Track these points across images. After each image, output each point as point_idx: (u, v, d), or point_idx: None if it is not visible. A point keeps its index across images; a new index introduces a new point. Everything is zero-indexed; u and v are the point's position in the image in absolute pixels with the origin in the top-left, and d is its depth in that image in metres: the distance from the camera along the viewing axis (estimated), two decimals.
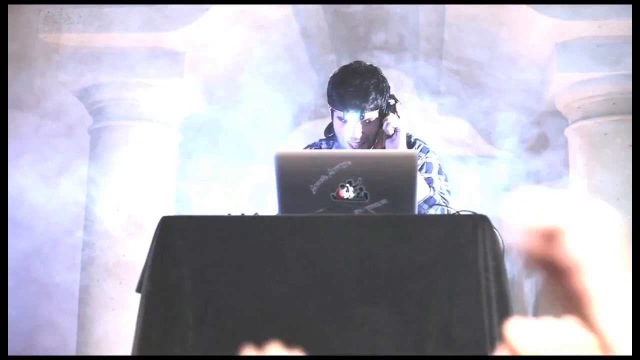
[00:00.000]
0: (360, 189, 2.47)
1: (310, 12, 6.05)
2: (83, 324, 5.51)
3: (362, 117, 3.07)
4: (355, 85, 3.06)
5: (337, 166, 2.45)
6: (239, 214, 2.60)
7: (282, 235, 2.41)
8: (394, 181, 2.47)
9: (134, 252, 5.43)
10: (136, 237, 5.44)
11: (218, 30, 5.55)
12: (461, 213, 2.56)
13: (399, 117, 3.14)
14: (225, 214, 2.61)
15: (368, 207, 2.48)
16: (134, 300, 5.12)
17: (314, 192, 2.48)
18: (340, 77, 3.13)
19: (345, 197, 2.47)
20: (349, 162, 2.45)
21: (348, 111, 3.06)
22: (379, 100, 3.09)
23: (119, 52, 5.49)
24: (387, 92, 3.14)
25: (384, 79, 3.15)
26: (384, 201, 2.48)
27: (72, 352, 5.62)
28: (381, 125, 3.14)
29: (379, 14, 6.23)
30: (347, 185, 2.47)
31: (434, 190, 3.07)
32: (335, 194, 2.47)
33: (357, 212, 2.48)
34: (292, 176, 2.49)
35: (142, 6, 5.33)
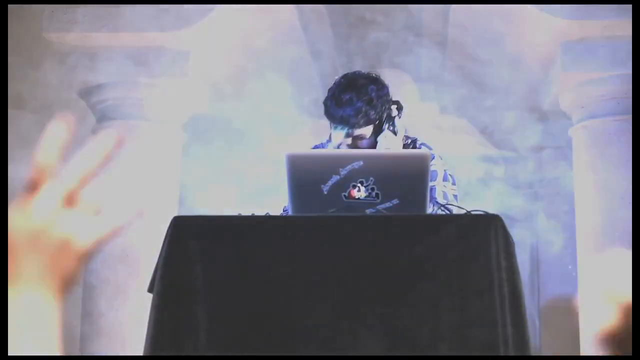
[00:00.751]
0: (372, 189, 2.47)
1: (313, 10, 6.05)
2: (86, 318, 5.53)
3: (349, 133, 3.02)
4: (346, 101, 3.01)
5: (349, 166, 2.45)
6: (249, 213, 2.60)
7: (294, 236, 2.41)
8: (405, 181, 2.47)
9: (137, 250, 5.44)
10: (140, 235, 5.45)
11: (223, 29, 5.55)
12: (473, 213, 2.56)
13: (396, 131, 3.09)
14: (235, 213, 2.61)
15: (379, 207, 2.48)
16: (137, 295, 5.14)
17: (325, 192, 2.48)
18: (334, 90, 3.07)
19: (357, 197, 2.47)
20: (361, 162, 2.45)
21: (336, 127, 3.04)
22: (371, 115, 3.03)
23: (123, 51, 5.49)
24: (384, 105, 3.07)
25: (381, 92, 3.08)
26: (395, 201, 2.48)
27: (75, 346, 5.63)
28: (377, 138, 3.10)
29: (381, 10, 6.22)
30: (359, 185, 2.47)
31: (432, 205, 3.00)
32: (346, 194, 2.47)
33: (368, 212, 2.48)
34: (304, 176, 2.48)
35: (146, 5, 5.33)
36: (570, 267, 6.16)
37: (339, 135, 3.03)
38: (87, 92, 5.76)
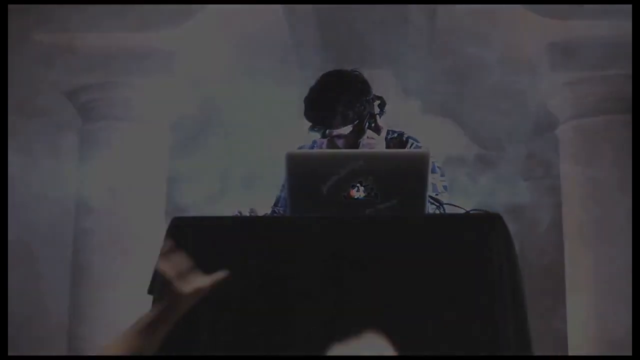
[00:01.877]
0: (371, 189, 2.46)
1: (300, 9, 6.05)
2: (75, 316, 5.52)
3: (326, 134, 3.02)
4: (323, 102, 3.01)
5: (349, 166, 2.44)
6: (246, 213, 2.59)
7: (294, 236, 2.40)
8: (405, 181, 2.47)
9: (124, 251, 5.45)
10: (127, 236, 5.46)
11: (209, 29, 5.55)
12: (473, 212, 2.56)
13: (379, 129, 3.09)
14: (234, 213, 2.60)
15: (379, 207, 2.47)
16: (125, 297, 5.12)
17: (324, 192, 2.46)
18: (313, 90, 3.07)
19: (356, 197, 2.46)
20: (361, 162, 2.45)
21: (313, 129, 3.03)
22: (349, 116, 3.01)
23: (110, 51, 5.48)
24: (363, 104, 3.05)
25: (360, 91, 3.06)
26: (394, 201, 2.47)
27: (63, 344, 5.61)
28: (359, 136, 3.09)
29: (367, 8, 6.21)
30: (358, 185, 2.46)
31: None
32: (346, 194, 2.46)
33: (367, 212, 2.48)
34: (303, 176, 2.47)
35: (133, 6, 5.31)
36: (557, 262, 6.18)
37: (316, 135, 3.03)
38: (73, 93, 5.74)
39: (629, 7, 4.46)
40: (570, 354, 5.64)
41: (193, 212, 5.30)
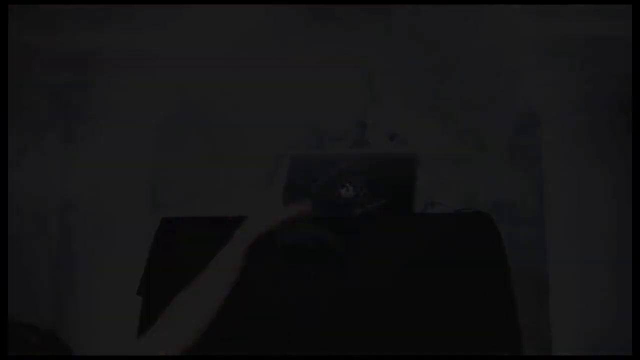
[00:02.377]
0: (361, 189, 2.45)
1: (283, 7, 6.06)
2: (59, 313, 5.52)
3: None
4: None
5: (338, 166, 2.44)
6: (235, 215, 2.59)
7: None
8: (394, 181, 2.47)
9: (109, 249, 5.45)
10: (112, 234, 5.46)
11: (194, 29, 5.55)
12: (463, 211, 2.57)
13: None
14: (221, 214, 2.59)
15: (368, 207, 2.47)
16: (110, 295, 5.11)
17: (314, 192, 2.46)
18: None
19: (346, 197, 2.46)
20: (350, 162, 2.44)
21: None
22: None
23: (94, 51, 5.46)
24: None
25: None
26: (384, 201, 2.48)
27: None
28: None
29: (349, 6, 6.22)
30: (348, 185, 2.45)
31: None
32: (335, 194, 2.46)
33: (357, 212, 2.47)
34: (292, 176, 2.46)
35: (117, 6, 5.30)
36: (539, 261, 6.20)
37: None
38: (55, 94, 5.71)
39: (614, 7, 4.48)
40: (553, 352, 5.66)
41: (177, 212, 5.29)
